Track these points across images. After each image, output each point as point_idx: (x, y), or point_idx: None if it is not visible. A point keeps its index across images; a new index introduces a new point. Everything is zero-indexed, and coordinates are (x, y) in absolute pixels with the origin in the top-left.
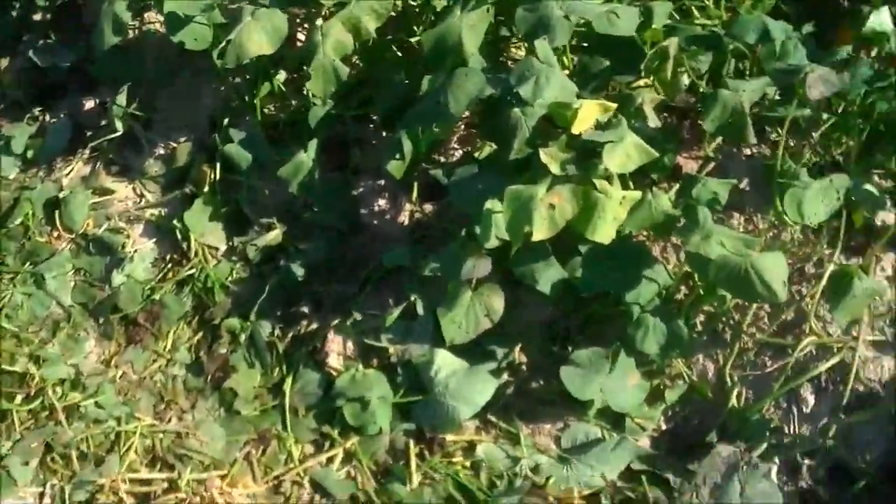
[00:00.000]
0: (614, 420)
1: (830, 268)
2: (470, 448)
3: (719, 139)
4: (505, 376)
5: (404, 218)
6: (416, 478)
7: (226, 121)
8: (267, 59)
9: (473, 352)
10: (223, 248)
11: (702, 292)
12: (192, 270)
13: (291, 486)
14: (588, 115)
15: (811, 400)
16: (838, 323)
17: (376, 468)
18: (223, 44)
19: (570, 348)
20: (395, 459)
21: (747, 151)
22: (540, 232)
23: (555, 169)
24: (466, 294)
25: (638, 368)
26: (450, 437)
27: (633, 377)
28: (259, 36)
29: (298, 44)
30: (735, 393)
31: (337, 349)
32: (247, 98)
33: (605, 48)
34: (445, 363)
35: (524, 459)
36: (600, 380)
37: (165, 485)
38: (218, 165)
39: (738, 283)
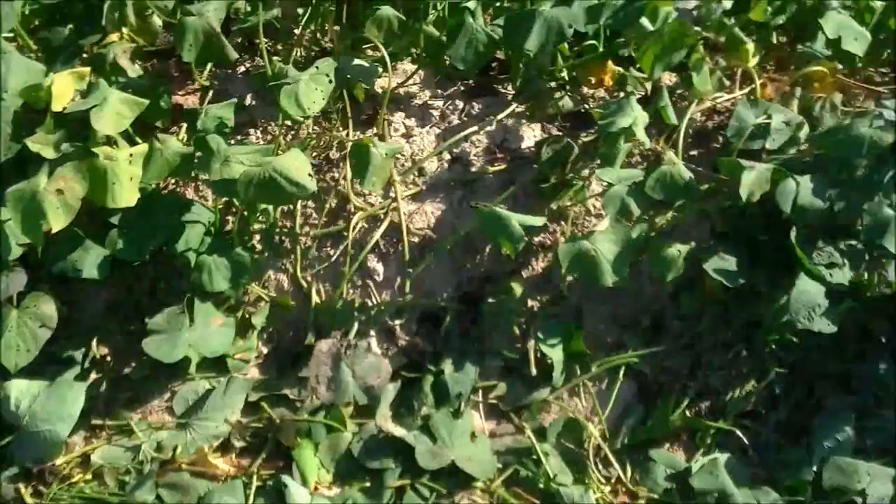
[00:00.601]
0: (216, 366)
1: (349, 146)
2: (86, 460)
3: (209, 65)
4: (93, 375)
5: None
6: None
7: None
8: None
9: (49, 366)
10: None
11: (245, 213)
12: None
13: None
14: (63, 88)
15: (380, 268)
16: (374, 190)
17: None
18: None
19: (145, 319)
20: None
21: (241, 68)
22: (57, 222)
23: (49, 153)
24: (11, 314)
25: (218, 309)
26: (60, 461)
27: (216, 319)
28: None
29: None
30: (314, 291)
31: None
32: None
33: (62, 17)
34: (22, 391)
35: (144, 444)
36: (185, 336)
37: None
38: None
39: (269, 190)
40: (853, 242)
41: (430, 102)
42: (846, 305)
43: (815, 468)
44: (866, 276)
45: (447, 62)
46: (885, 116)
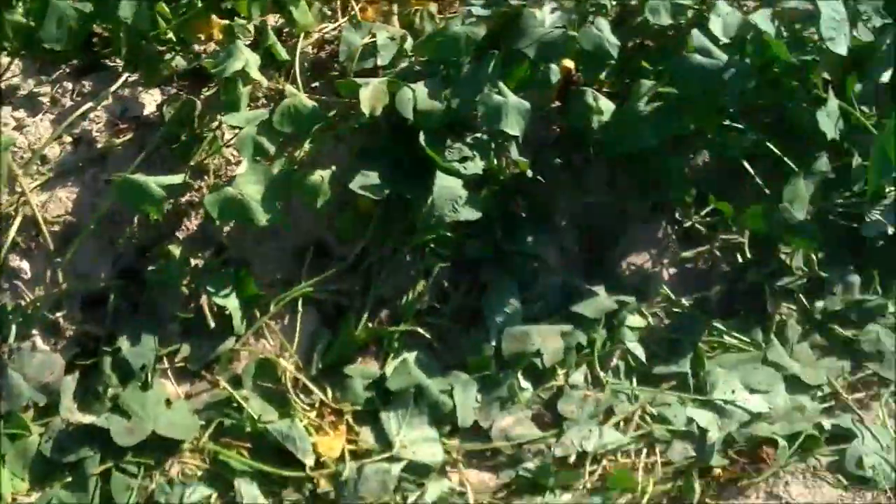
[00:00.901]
0: None
1: None
2: None
3: None
4: None
5: None
6: None
7: None
8: None
9: None
10: None
11: None
12: None
13: None
14: None
15: (26, 265)
16: None
17: None
18: None
19: None
20: None
21: None
22: None
23: None
24: None
25: None
26: None
27: None
28: None
29: None
30: None
31: None
32: None
33: None
34: None
35: None
36: None
37: None
38: None
39: None
40: (478, 134)
41: (36, 90)
42: (485, 192)
43: (493, 343)
44: (496, 161)
45: (45, 47)
46: (474, 13)
